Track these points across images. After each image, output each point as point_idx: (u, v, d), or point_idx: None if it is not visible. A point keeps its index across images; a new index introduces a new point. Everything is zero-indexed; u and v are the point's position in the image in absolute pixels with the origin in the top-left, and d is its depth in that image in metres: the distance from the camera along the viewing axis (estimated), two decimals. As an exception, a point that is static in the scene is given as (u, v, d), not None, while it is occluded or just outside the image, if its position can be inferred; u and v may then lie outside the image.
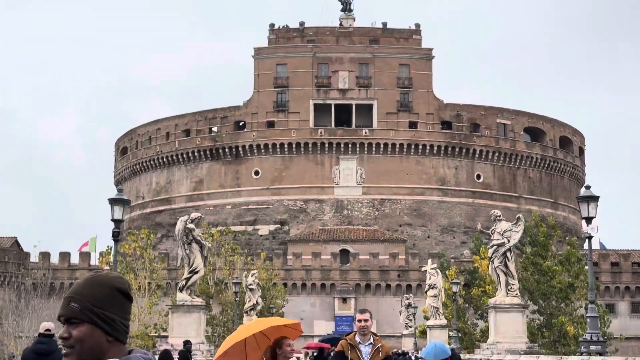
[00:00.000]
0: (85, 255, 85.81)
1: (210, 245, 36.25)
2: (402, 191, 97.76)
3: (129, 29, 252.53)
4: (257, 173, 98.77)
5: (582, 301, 47.68)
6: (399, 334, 65.94)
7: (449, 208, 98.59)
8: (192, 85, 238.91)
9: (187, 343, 26.17)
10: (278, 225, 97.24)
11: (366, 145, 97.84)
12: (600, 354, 23.69)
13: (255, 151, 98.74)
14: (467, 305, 59.12)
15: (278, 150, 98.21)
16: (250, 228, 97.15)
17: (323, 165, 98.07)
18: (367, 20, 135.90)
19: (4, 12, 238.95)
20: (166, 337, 33.39)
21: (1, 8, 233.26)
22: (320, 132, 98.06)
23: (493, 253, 29.23)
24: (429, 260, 60.41)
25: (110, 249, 54.93)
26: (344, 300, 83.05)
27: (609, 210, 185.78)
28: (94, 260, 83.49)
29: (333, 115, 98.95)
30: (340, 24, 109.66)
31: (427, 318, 50.51)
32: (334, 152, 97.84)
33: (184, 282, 29.64)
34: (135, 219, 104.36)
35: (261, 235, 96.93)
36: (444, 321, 47.19)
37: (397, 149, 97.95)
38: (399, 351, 46.59)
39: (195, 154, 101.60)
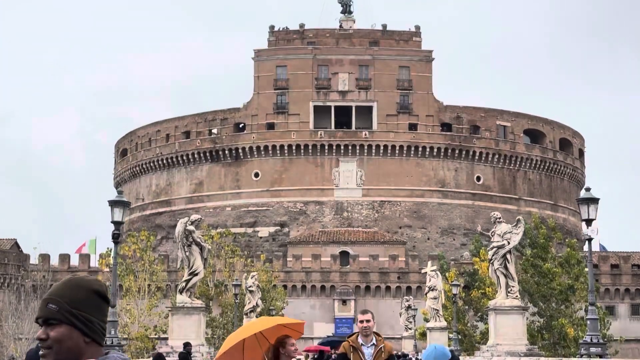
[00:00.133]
0: (85, 257, 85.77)
1: (210, 247, 36.25)
2: (402, 193, 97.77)
3: (129, 31, 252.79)
4: (257, 175, 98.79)
5: (582, 303, 47.65)
6: (399, 336, 65.86)
7: (448, 210, 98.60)
8: (192, 87, 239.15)
9: (187, 345, 26.16)
10: (278, 227, 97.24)
11: (366, 147, 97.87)
12: (600, 356, 23.69)
13: (255, 153, 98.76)
14: (467, 307, 59.12)
15: (278, 152, 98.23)
16: (250, 230, 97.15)
17: (323, 167, 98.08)
18: (367, 22, 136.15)
19: (2, 12, 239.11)
20: (166, 339, 33.39)
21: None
22: (320, 134, 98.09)
23: (493, 255, 29.20)
24: (429, 262, 60.47)
25: (110, 250, 54.85)
26: (344, 302, 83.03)
27: (609, 212, 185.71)
28: (94, 262, 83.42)
29: (333, 117, 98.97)
30: (340, 26, 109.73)
31: (427, 320, 50.50)
32: (334, 154, 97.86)
33: (183, 284, 29.62)
34: (135, 221, 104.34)
35: (261, 237, 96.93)
36: (443, 323, 47.17)
37: (397, 151, 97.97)
38: (399, 353, 46.55)
39: (195, 155, 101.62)
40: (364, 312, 9.33)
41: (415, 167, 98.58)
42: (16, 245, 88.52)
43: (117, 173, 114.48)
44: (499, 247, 28.92)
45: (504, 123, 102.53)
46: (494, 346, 28.68)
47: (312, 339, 74.08)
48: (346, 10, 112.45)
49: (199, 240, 29.58)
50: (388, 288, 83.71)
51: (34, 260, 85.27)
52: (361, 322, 9.21)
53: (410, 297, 68.52)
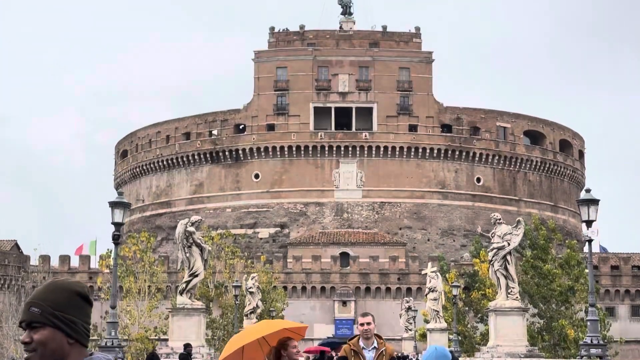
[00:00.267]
0: (85, 258, 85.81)
1: (210, 248, 36.26)
2: (402, 194, 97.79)
3: (129, 31, 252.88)
4: (257, 176, 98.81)
5: (582, 304, 47.64)
6: (399, 337, 65.83)
7: (449, 211, 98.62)
8: (193, 88, 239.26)
9: (187, 346, 26.17)
10: (278, 229, 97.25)
11: (366, 148, 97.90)
12: (601, 358, 23.70)
13: (255, 154, 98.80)
14: (467, 308, 59.08)
15: (278, 153, 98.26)
16: (250, 231, 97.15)
17: (323, 168, 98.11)
18: (367, 23, 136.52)
19: (2, 12, 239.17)
20: (166, 340, 33.38)
21: None
22: (320, 135, 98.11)
23: (493, 256, 29.20)
24: (429, 264, 60.43)
25: (110, 252, 54.85)
26: (344, 303, 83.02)
27: (609, 214, 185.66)
28: (94, 264, 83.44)
29: (333, 118, 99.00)
30: (340, 28, 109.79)
31: (427, 321, 50.49)
32: (334, 155, 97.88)
33: (184, 285, 29.63)
34: (136, 222, 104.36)
35: (261, 239, 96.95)
36: (444, 324, 47.17)
37: (397, 152, 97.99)
38: (400, 354, 46.55)
39: (196, 157, 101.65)
40: (365, 314, 9.31)
41: (416, 169, 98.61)
42: (16, 246, 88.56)
43: (118, 174, 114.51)
44: (499, 249, 28.92)
45: (504, 124, 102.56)
46: (494, 347, 28.67)
47: (312, 340, 74.01)
48: (346, 11, 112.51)
49: (199, 241, 29.59)
50: (388, 289, 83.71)
51: (34, 261, 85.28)
52: (362, 325, 9.17)
53: (411, 298, 68.50)
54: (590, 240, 24.38)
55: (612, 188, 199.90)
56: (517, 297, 29.18)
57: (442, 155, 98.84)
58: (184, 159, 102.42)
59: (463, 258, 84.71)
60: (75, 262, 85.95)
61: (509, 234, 29.03)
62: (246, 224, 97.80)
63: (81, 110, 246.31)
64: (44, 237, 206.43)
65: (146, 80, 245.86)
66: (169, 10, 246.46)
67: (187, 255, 29.14)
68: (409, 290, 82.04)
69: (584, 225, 24.68)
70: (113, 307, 25.72)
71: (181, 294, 29.61)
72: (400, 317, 65.73)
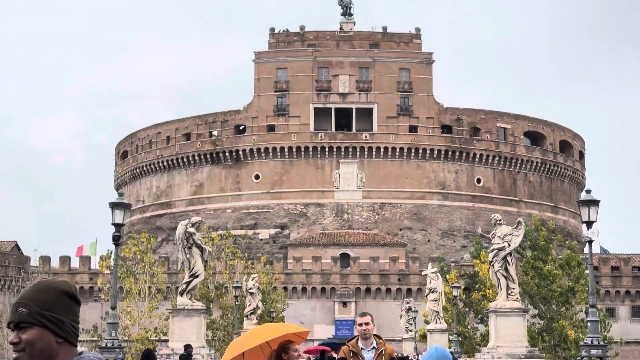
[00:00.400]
0: (85, 259, 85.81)
1: (210, 249, 36.25)
2: (402, 195, 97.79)
3: (129, 31, 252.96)
4: (257, 177, 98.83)
5: (582, 305, 47.65)
6: (399, 338, 65.81)
7: (449, 212, 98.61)
8: (193, 89, 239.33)
9: (188, 347, 26.16)
10: (278, 229, 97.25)
11: (366, 149, 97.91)
12: (601, 358, 23.68)
13: (255, 155, 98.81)
14: (467, 309, 59.08)
15: (278, 154, 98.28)
16: (250, 232, 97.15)
17: (323, 169, 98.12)
18: (367, 24, 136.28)
19: (2, 12, 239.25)
20: (166, 341, 33.38)
21: None
22: (321, 136, 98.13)
23: (493, 257, 29.20)
24: (429, 264, 60.43)
25: (111, 252, 54.85)
26: (344, 304, 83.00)
27: (610, 214, 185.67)
28: (94, 264, 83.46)
29: (333, 119, 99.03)
30: (341, 28, 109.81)
31: (427, 322, 50.49)
32: (334, 156, 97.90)
33: (184, 286, 29.63)
34: (136, 223, 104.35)
35: (261, 239, 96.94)
36: (444, 325, 47.16)
37: (397, 153, 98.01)
38: (400, 355, 46.53)
39: (196, 157, 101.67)
40: (363, 314, 9.28)
41: (416, 169, 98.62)
42: (16, 247, 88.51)
43: (118, 175, 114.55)
44: (500, 249, 28.91)
45: (505, 125, 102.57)
46: (495, 348, 28.67)
47: (312, 341, 73.96)
48: (346, 12, 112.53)
49: (199, 242, 29.59)
50: (388, 290, 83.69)
51: (34, 262, 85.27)
52: (360, 325, 9.14)
53: (411, 299, 68.48)
54: (590, 241, 24.35)
55: (613, 189, 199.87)
56: (517, 298, 29.18)
57: (442, 156, 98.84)
58: (184, 159, 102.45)
59: (463, 259, 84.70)
60: (75, 263, 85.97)
61: (509, 234, 29.03)
62: (246, 224, 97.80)
63: (81, 111, 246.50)
64: (44, 238, 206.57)
65: (146, 80, 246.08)
66: (169, 10, 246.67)
67: (188, 256, 29.14)
68: (409, 291, 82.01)
69: (584, 226, 24.66)
70: (113, 308, 25.71)
71: (181, 294, 29.61)
72: (401, 318, 65.70)
